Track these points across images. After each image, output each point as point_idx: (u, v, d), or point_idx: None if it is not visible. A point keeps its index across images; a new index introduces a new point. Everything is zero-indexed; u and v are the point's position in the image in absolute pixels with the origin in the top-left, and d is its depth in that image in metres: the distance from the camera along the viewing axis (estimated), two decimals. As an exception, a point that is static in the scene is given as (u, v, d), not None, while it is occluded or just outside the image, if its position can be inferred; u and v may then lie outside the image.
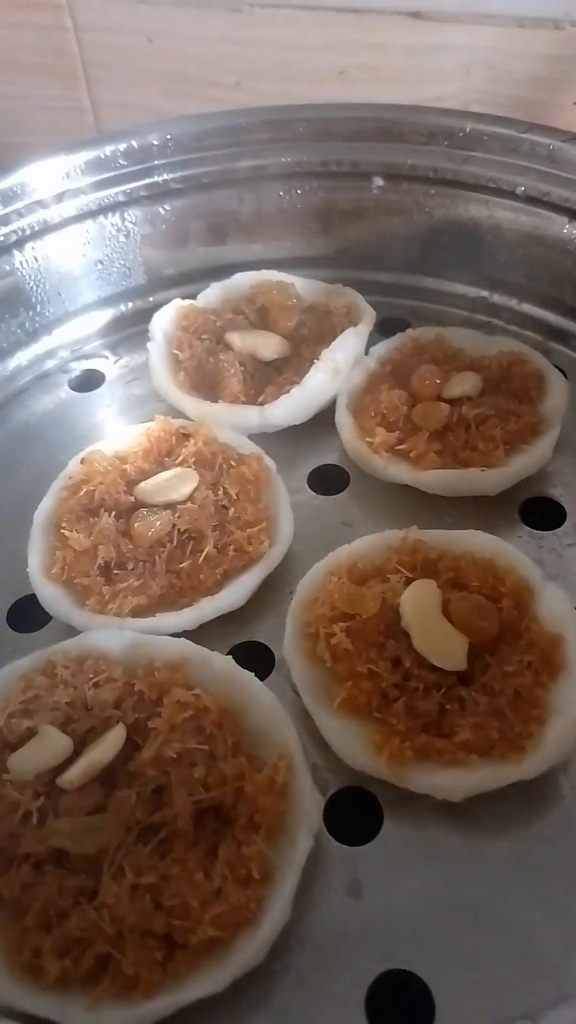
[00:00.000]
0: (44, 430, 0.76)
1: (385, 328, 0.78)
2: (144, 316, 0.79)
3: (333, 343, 0.70)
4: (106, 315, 0.84)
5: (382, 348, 0.73)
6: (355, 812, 0.49)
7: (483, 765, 0.47)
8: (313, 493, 0.68)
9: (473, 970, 0.43)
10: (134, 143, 0.79)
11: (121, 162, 0.79)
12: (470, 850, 0.47)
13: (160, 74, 0.97)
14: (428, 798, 0.49)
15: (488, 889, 0.46)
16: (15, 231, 0.74)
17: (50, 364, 0.81)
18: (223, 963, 0.41)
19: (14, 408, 0.78)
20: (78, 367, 0.82)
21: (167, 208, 0.80)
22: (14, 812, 0.46)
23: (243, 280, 0.79)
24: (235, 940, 0.42)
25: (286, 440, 0.71)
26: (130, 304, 0.84)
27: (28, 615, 0.62)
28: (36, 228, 0.76)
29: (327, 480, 0.69)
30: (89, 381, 0.81)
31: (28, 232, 0.75)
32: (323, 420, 0.71)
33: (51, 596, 0.58)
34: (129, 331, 0.84)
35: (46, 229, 0.76)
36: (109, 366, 0.82)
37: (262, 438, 0.68)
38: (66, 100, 1.03)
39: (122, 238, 0.81)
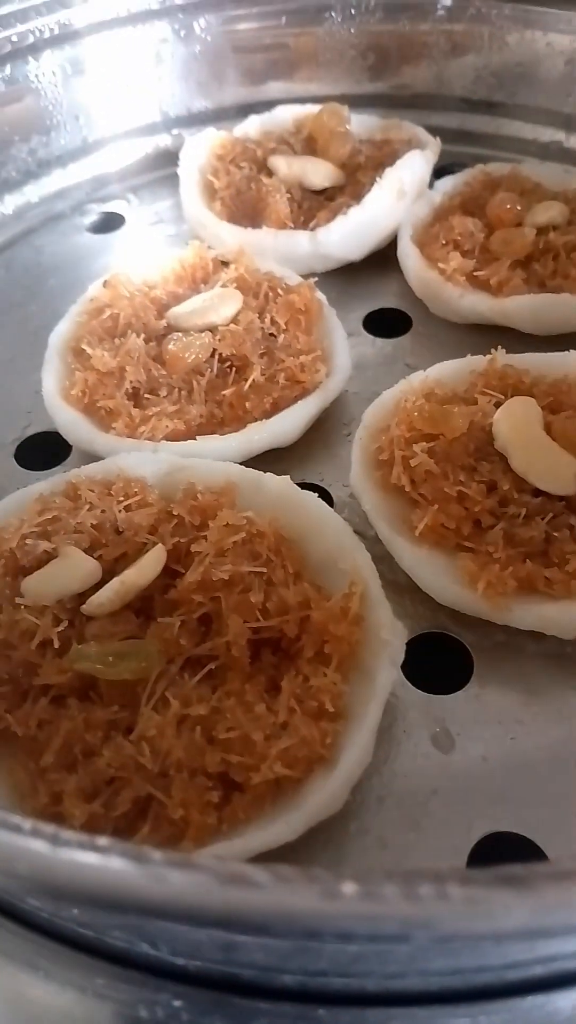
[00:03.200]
0: (57, 269, 0.66)
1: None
2: (171, 158, 0.70)
3: (398, 162, 0.61)
4: (128, 153, 0.74)
5: (448, 182, 0.64)
6: (438, 662, 0.41)
7: (603, 597, 0.39)
8: (370, 335, 0.59)
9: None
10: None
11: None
12: (580, 702, 0.39)
13: None
14: (528, 647, 0.41)
15: (603, 746, 0.38)
16: (33, 31, 0.64)
17: (62, 205, 0.72)
18: (294, 808, 0.32)
19: (21, 248, 0.68)
20: (95, 209, 0.72)
21: (203, 25, 0.70)
22: (29, 640, 0.37)
23: (285, 113, 0.70)
24: (307, 782, 0.33)
25: (337, 281, 0.62)
26: (155, 141, 0.75)
27: (41, 451, 0.53)
28: (57, 32, 0.65)
29: (386, 324, 0.60)
30: (108, 223, 0.71)
31: (48, 35, 0.65)
32: (380, 259, 0.62)
33: (70, 420, 0.49)
34: (154, 174, 0.74)
35: (69, 35, 0.66)
36: (130, 209, 0.72)
37: (310, 277, 0.59)
38: None
39: (151, 58, 0.71)
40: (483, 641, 0.41)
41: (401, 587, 0.43)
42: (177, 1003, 0.28)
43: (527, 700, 0.39)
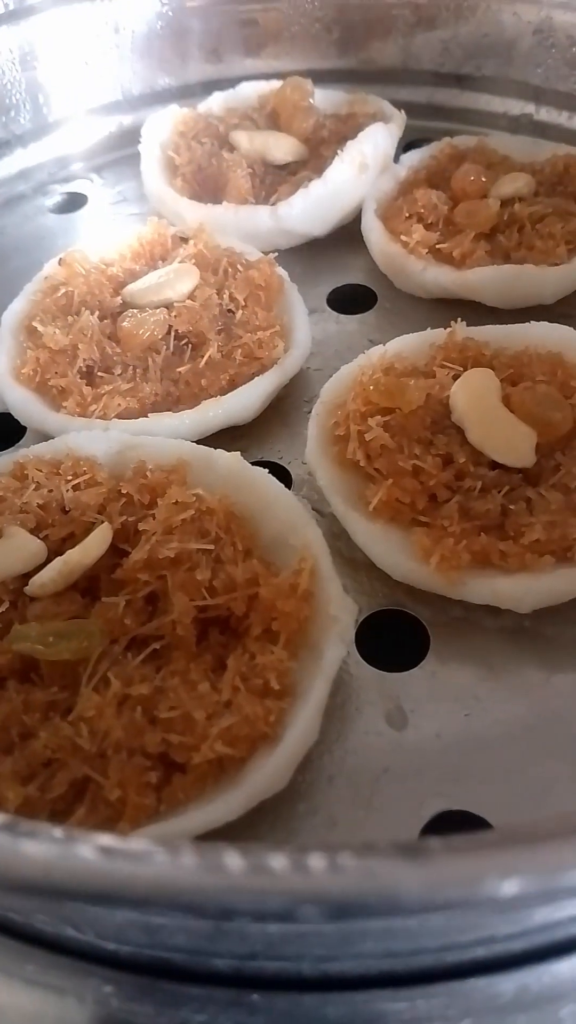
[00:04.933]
0: (19, 251, 0.65)
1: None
2: (134, 137, 0.68)
3: (360, 135, 0.59)
4: (91, 132, 0.73)
5: (414, 156, 0.63)
6: (394, 639, 0.40)
7: (558, 569, 0.38)
8: (335, 312, 0.58)
9: (542, 810, 0.34)
10: None
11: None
12: (536, 678, 0.38)
13: None
14: (484, 622, 0.40)
15: (556, 721, 0.37)
16: (-15, 6, 0.63)
17: (24, 187, 0.70)
18: (235, 787, 0.31)
19: (-18, 229, 0.67)
20: (58, 189, 0.71)
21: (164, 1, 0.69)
22: (-32, 622, 0.36)
23: (250, 90, 0.68)
24: (250, 761, 0.32)
25: (301, 257, 0.61)
26: (119, 120, 0.73)
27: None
28: (12, 7, 0.64)
29: (350, 300, 0.59)
30: (71, 204, 0.70)
31: (2, 11, 0.64)
32: (343, 235, 0.61)
33: (20, 398, 0.48)
34: (117, 153, 0.73)
35: (24, 11, 0.65)
36: (94, 189, 0.71)
37: (274, 254, 0.57)
38: None
39: (111, 34, 0.70)
40: (440, 617, 0.40)
41: (358, 564, 0.42)
42: (107, 988, 0.27)
43: (483, 676, 0.38)
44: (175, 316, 0.50)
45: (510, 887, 0.15)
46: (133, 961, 0.27)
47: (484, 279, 0.52)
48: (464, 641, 0.40)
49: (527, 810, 0.34)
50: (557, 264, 0.52)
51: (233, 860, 0.15)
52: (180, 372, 0.48)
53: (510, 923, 0.25)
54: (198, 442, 0.45)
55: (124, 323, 0.50)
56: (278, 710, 0.33)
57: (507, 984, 0.27)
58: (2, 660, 0.35)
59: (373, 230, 0.57)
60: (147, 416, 0.46)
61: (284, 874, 0.15)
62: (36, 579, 0.37)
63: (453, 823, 0.34)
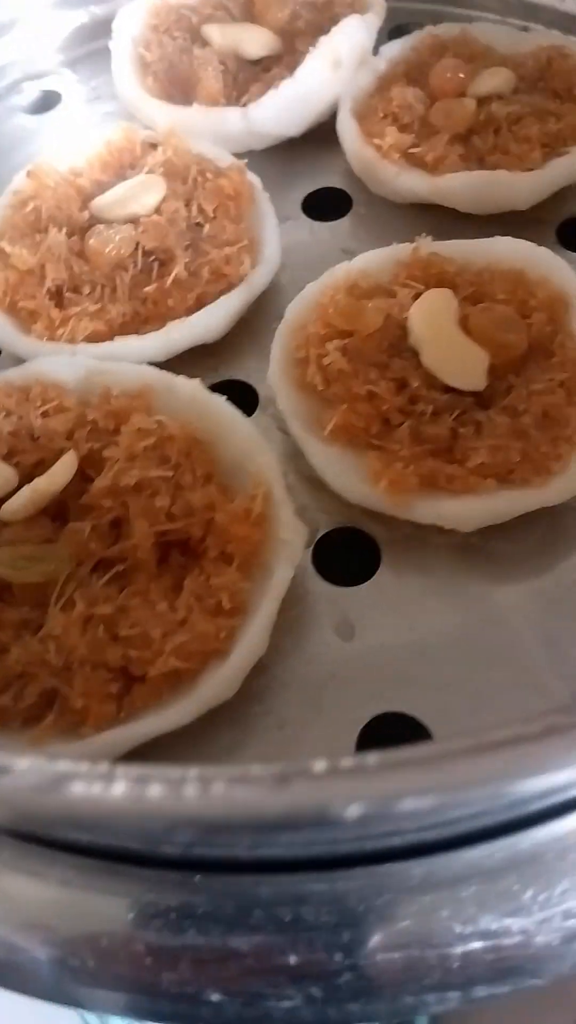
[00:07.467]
0: (-8, 156, 0.64)
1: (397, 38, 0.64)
2: (107, 28, 0.65)
3: (333, 29, 0.56)
4: (63, 24, 0.69)
5: (394, 47, 0.60)
6: (348, 555, 0.43)
7: (500, 491, 0.39)
8: (308, 219, 0.57)
9: (476, 713, 0.37)
10: None
11: None
12: (479, 591, 0.41)
13: None
14: (433, 539, 0.42)
15: (496, 632, 0.39)
16: None
17: (-2, 85, 0.68)
18: (188, 696, 0.35)
19: (-46, 134, 0.66)
20: (31, 87, 0.68)
21: None
22: (-56, 545, 0.39)
23: (225, -26, 0.65)
24: (203, 673, 0.36)
25: (276, 159, 0.59)
26: (92, 9, 0.70)
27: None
28: None
29: (326, 205, 0.58)
30: (45, 102, 0.68)
31: None
32: (321, 134, 0.59)
33: (-9, 322, 0.49)
34: (91, 45, 0.70)
35: None
36: (68, 85, 0.68)
37: (248, 156, 0.56)
38: None
39: None
40: (392, 535, 0.42)
41: (318, 483, 0.44)
42: (70, 872, 0.31)
43: (429, 590, 0.41)
44: (142, 232, 0.50)
45: (353, 811, 0.18)
46: (91, 848, 0.31)
47: (456, 186, 0.51)
48: (414, 557, 0.42)
49: (462, 712, 0.37)
50: (531, 170, 0.50)
51: (119, 787, 0.18)
52: (147, 292, 0.49)
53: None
54: (168, 362, 0.47)
55: (91, 240, 0.50)
56: (229, 627, 0.36)
57: (417, 869, 0.30)
58: (-25, 582, 0.38)
59: (347, 131, 0.55)
60: (113, 339, 0.47)
61: (160, 800, 0.18)
62: (7, 506, 0.40)
63: (391, 723, 0.37)
